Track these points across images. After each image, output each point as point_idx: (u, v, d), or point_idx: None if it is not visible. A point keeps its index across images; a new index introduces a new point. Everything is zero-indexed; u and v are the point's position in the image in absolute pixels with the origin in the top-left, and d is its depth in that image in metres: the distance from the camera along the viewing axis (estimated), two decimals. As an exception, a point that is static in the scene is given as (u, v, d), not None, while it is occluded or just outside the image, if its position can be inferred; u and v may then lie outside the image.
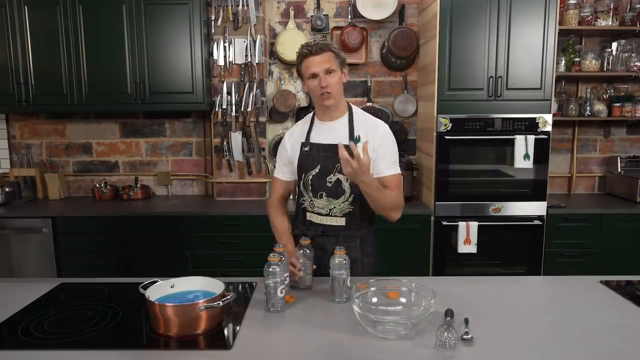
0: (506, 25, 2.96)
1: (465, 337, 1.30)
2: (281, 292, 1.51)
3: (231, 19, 3.31)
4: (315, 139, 1.85)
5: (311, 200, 1.84)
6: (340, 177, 1.76)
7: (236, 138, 3.38)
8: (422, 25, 3.41)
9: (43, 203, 3.46)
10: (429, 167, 3.24)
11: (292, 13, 3.50)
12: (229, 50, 3.32)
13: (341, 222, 1.82)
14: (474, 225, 3.06)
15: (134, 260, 3.11)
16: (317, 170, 1.81)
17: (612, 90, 3.56)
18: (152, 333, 1.36)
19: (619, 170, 3.55)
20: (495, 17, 2.96)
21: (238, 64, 3.34)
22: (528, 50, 2.99)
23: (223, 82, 3.35)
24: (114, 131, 3.70)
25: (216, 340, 1.33)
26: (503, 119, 3.04)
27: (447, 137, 3.05)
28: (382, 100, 3.63)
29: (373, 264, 1.91)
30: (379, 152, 1.77)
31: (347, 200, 1.80)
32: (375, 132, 1.80)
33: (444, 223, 3.09)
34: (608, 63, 3.33)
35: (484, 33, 2.97)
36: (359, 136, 1.79)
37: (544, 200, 3.11)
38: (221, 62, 3.33)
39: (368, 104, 3.57)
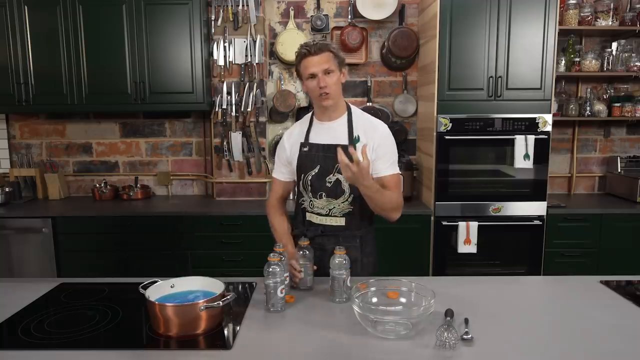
0: (506, 25, 2.96)
1: (465, 337, 1.30)
2: (281, 292, 1.51)
3: (231, 19, 3.31)
4: (314, 139, 1.84)
5: (311, 200, 1.84)
6: (340, 177, 1.76)
7: (236, 138, 3.38)
8: (422, 25, 3.41)
9: (43, 203, 3.46)
10: (429, 167, 3.24)
11: (292, 13, 3.50)
12: (229, 50, 3.32)
13: (341, 222, 1.82)
14: (474, 225, 3.06)
15: (134, 260, 3.11)
16: (316, 170, 1.80)
17: (612, 90, 3.56)
18: (152, 333, 1.36)
19: (619, 170, 3.55)
20: (495, 17, 2.96)
21: (238, 64, 3.34)
22: (528, 50, 2.99)
23: (223, 82, 3.35)
24: (114, 131, 3.70)
25: (216, 340, 1.33)
26: (503, 119, 3.04)
27: (447, 137, 3.05)
28: (382, 100, 3.63)
29: (373, 264, 1.91)
30: (378, 152, 1.77)
31: (346, 200, 1.80)
32: (374, 132, 1.80)
33: (444, 223, 3.10)
34: (608, 63, 3.33)
35: (484, 33, 2.97)
36: (358, 136, 1.79)
37: (544, 200, 3.11)
38: (221, 62, 3.33)
39: (368, 104, 3.57)
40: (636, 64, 3.27)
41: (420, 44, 3.43)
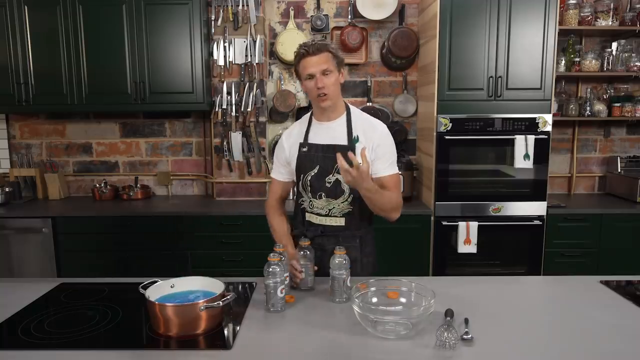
0: (506, 25, 2.97)
1: (465, 337, 1.30)
2: (281, 292, 1.51)
3: (231, 19, 3.31)
4: (313, 139, 1.84)
5: (310, 200, 1.84)
6: (339, 177, 1.76)
7: (236, 138, 3.38)
8: (422, 25, 3.41)
9: (43, 203, 3.46)
10: (429, 167, 3.24)
11: (292, 13, 3.50)
12: (229, 50, 3.32)
13: (340, 222, 1.82)
14: (474, 225, 3.06)
15: (134, 260, 3.11)
16: (315, 170, 1.80)
17: (612, 90, 3.56)
18: (152, 333, 1.36)
19: (619, 170, 3.55)
20: (495, 17, 2.96)
21: (238, 64, 3.34)
22: (528, 50, 2.99)
23: (223, 82, 3.35)
24: (114, 131, 3.70)
25: (216, 340, 1.33)
26: (503, 119, 3.04)
27: (447, 137, 3.05)
28: (382, 100, 3.63)
29: (372, 264, 1.91)
30: (377, 152, 1.77)
31: (346, 200, 1.80)
32: (373, 132, 1.80)
33: (444, 223, 3.10)
34: (608, 63, 3.33)
35: (484, 33, 2.97)
36: (357, 136, 1.79)
37: (544, 200, 3.11)
38: (221, 62, 3.33)
39: (368, 104, 3.57)
40: (636, 64, 3.28)
41: (420, 44, 3.43)
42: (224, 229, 3.11)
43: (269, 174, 3.40)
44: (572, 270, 3.11)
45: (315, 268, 1.71)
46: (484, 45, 2.99)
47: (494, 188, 3.14)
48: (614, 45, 3.39)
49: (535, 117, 3.04)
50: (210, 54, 3.33)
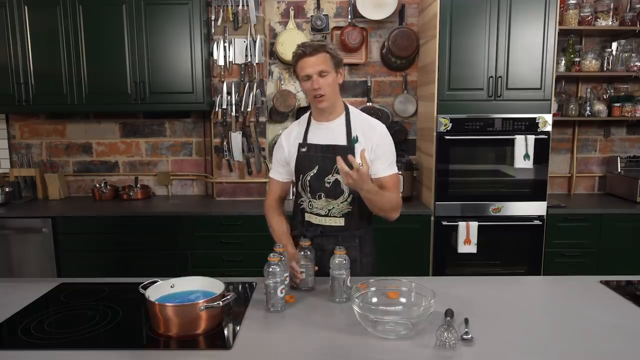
0: (506, 25, 2.97)
1: (465, 337, 1.30)
2: (281, 292, 1.51)
3: (231, 19, 3.31)
4: (312, 139, 1.84)
5: (310, 201, 1.84)
6: (339, 177, 1.76)
7: (236, 138, 3.38)
8: (422, 25, 3.41)
9: (43, 203, 3.46)
10: (429, 167, 3.24)
11: (292, 13, 3.50)
12: (229, 50, 3.32)
13: (340, 222, 1.82)
14: (474, 225, 3.06)
15: (134, 260, 3.11)
16: (315, 171, 1.80)
17: (612, 90, 3.56)
18: (152, 333, 1.36)
19: (619, 170, 3.55)
20: (495, 17, 2.96)
21: (238, 64, 3.34)
22: (528, 50, 2.99)
23: (223, 82, 3.35)
24: (114, 131, 3.70)
25: (216, 340, 1.33)
26: (503, 119, 3.04)
27: (447, 137, 3.06)
28: (382, 100, 3.63)
29: (372, 264, 1.91)
30: (377, 152, 1.77)
31: (346, 200, 1.80)
32: (372, 132, 1.80)
33: (444, 223, 3.10)
34: (608, 63, 3.33)
35: (484, 33, 2.97)
36: (356, 136, 1.79)
37: (544, 200, 3.11)
38: (221, 62, 3.33)
39: (368, 104, 3.57)
40: (636, 64, 3.28)
41: (420, 44, 3.43)
42: (224, 229, 3.11)
43: (269, 174, 3.42)
44: (572, 270, 3.11)
45: (316, 268, 1.71)
46: (484, 45, 2.99)
47: (494, 188, 3.14)
48: (614, 45, 3.39)
49: (535, 117, 3.04)
50: (210, 54, 3.33)
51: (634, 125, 3.66)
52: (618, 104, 3.38)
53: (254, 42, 3.31)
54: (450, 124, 3.05)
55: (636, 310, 1.52)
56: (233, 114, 3.37)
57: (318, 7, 3.50)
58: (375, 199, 1.66)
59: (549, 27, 2.97)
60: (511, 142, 3.04)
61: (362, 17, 3.43)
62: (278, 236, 1.86)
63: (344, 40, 3.45)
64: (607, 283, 1.75)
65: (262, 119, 3.43)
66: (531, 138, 3.02)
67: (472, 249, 3.07)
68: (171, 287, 1.48)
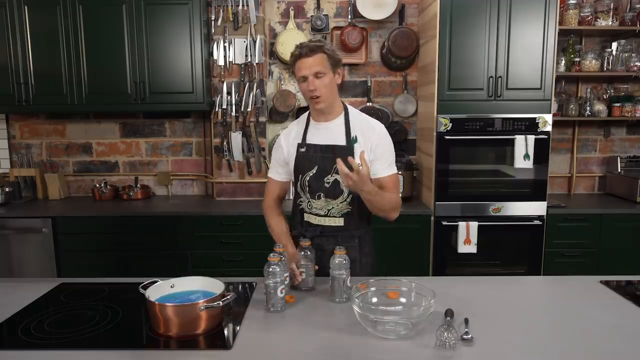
0: (506, 25, 2.96)
1: (465, 337, 1.30)
2: (281, 292, 1.51)
3: (231, 19, 3.31)
4: (311, 139, 1.84)
5: (309, 201, 1.84)
6: (338, 177, 1.75)
7: (236, 138, 3.38)
8: (422, 25, 3.41)
9: (43, 203, 3.46)
10: (429, 167, 3.24)
11: (292, 13, 3.50)
12: (229, 50, 3.32)
13: (339, 222, 1.82)
14: (474, 225, 3.06)
15: (134, 260, 3.11)
16: (314, 171, 1.80)
17: (612, 90, 3.56)
18: (152, 333, 1.36)
19: (619, 170, 3.55)
20: (495, 17, 2.96)
21: (238, 64, 3.34)
22: (528, 50, 2.99)
23: (223, 82, 3.35)
24: (114, 131, 3.70)
25: (216, 340, 1.33)
26: (503, 119, 3.04)
27: (447, 137, 3.05)
28: (382, 100, 3.63)
29: (371, 264, 1.91)
30: (376, 152, 1.77)
31: (345, 200, 1.80)
32: (372, 132, 1.79)
33: (444, 223, 3.09)
34: (608, 63, 3.33)
35: (484, 33, 2.97)
36: (355, 137, 1.79)
37: (544, 200, 3.11)
38: (221, 62, 3.33)
39: (368, 104, 3.57)
40: (636, 64, 3.28)
41: (420, 44, 3.43)
42: (224, 229, 3.11)
43: (268, 173, 3.42)
44: (572, 270, 3.11)
45: (316, 267, 1.71)
46: (484, 45, 2.99)
47: (494, 188, 3.14)
48: (614, 45, 3.39)
49: (535, 117, 3.04)
50: (210, 54, 3.33)
51: (634, 125, 3.66)
52: (618, 104, 3.38)
53: (254, 42, 3.31)
54: (450, 124, 3.05)
55: (636, 310, 1.52)
56: (233, 114, 3.37)
57: (318, 7, 3.50)
58: (375, 200, 1.66)
59: (549, 27, 2.97)
60: (511, 142, 3.04)
61: (362, 17, 3.44)
62: (277, 236, 1.86)
63: (344, 40, 3.45)
64: (607, 283, 1.75)
65: (262, 119, 3.43)
66: (531, 138, 3.02)
67: (472, 249, 3.07)
68: (171, 287, 1.48)
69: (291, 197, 2.12)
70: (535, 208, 3.12)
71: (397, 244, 3.04)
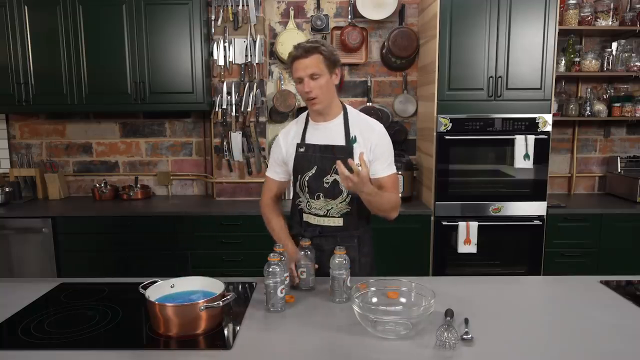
0: (506, 25, 2.96)
1: (465, 337, 1.30)
2: (281, 292, 1.51)
3: (231, 19, 3.31)
4: (310, 139, 1.83)
5: (308, 201, 1.83)
6: (338, 177, 1.75)
7: (236, 138, 3.38)
8: (422, 25, 3.41)
9: (43, 203, 3.46)
10: (429, 167, 3.24)
11: (292, 13, 3.50)
12: (229, 50, 3.32)
13: (339, 222, 1.82)
14: (474, 225, 3.06)
15: (134, 260, 3.11)
16: (313, 171, 1.80)
17: (612, 90, 3.56)
18: (152, 333, 1.36)
19: (619, 170, 3.55)
20: (495, 17, 2.96)
21: (238, 64, 3.34)
22: (528, 50, 2.99)
23: (223, 82, 3.35)
24: (114, 131, 3.70)
25: (216, 340, 1.33)
26: (503, 119, 3.04)
27: (447, 137, 3.05)
28: (382, 100, 3.63)
29: (370, 264, 1.91)
30: (376, 152, 1.77)
31: (344, 200, 1.80)
32: (371, 132, 1.79)
33: (444, 223, 3.09)
34: (608, 63, 3.33)
35: (484, 33, 2.97)
36: (354, 137, 1.78)
37: (544, 200, 3.11)
38: (221, 62, 3.33)
39: (368, 104, 3.57)
40: (636, 64, 3.27)
41: (420, 44, 3.43)
42: (224, 229, 3.11)
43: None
44: (572, 270, 3.11)
45: (316, 266, 1.71)
46: (484, 45, 2.99)
47: (494, 188, 3.14)
48: (614, 45, 3.39)
49: (535, 117, 3.04)
50: (210, 54, 3.33)
51: (634, 125, 3.66)
52: (618, 104, 3.38)
53: (254, 42, 3.31)
54: (450, 124, 3.05)
55: (636, 310, 1.52)
56: (233, 114, 3.37)
57: (318, 7, 3.50)
58: (374, 200, 1.66)
59: (549, 27, 2.97)
60: (511, 142, 3.04)
61: (362, 17, 3.44)
62: (277, 233, 1.86)
63: (344, 40, 3.45)
64: (607, 283, 1.75)
65: (262, 119, 3.43)
66: (531, 138, 3.02)
67: (472, 249, 3.07)
68: (171, 287, 1.48)
69: (290, 197, 2.12)
70: (535, 208, 3.12)
71: (397, 244, 3.05)
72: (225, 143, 3.41)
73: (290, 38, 3.42)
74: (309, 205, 1.84)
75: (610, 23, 3.27)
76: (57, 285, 1.78)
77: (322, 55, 1.69)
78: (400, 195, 1.91)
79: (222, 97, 3.34)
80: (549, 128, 3.05)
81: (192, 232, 3.12)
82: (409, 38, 3.41)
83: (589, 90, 3.46)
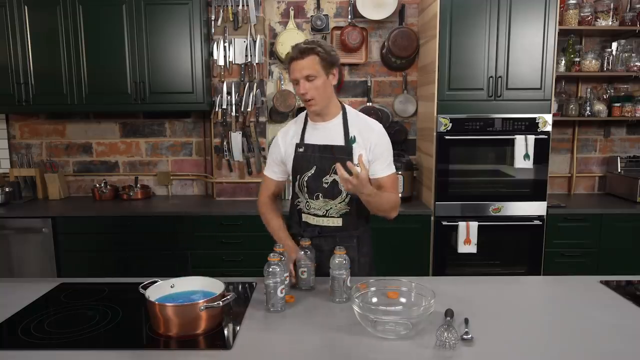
0: (506, 25, 2.96)
1: (465, 337, 1.30)
2: (281, 292, 1.51)
3: (231, 19, 3.31)
4: (309, 139, 1.83)
5: (307, 201, 1.83)
6: (337, 177, 1.74)
7: (236, 138, 3.38)
8: (422, 25, 3.41)
9: (43, 203, 3.46)
10: (429, 167, 3.24)
11: (292, 13, 3.50)
12: (229, 50, 3.32)
13: (338, 222, 1.82)
14: (474, 225, 3.06)
15: (134, 260, 3.11)
16: (312, 171, 1.80)
17: (612, 90, 3.56)
18: (152, 333, 1.36)
19: (619, 170, 3.55)
20: (495, 17, 2.96)
21: (238, 64, 3.34)
22: (528, 50, 2.99)
23: (223, 82, 3.35)
24: (114, 131, 3.70)
25: (216, 340, 1.33)
26: (503, 119, 3.04)
27: (447, 137, 3.05)
28: (382, 100, 3.63)
29: (369, 264, 1.91)
30: (375, 152, 1.77)
31: (343, 200, 1.80)
32: (370, 132, 1.79)
33: (444, 223, 3.09)
34: (608, 63, 3.33)
35: (484, 33, 2.97)
36: (354, 137, 1.78)
37: (544, 200, 3.11)
38: (221, 62, 3.33)
39: (368, 104, 3.57)
40: (636, 64, 3.28)
41: (420, 44, 3.43)
42: (224, 229, 3.11)
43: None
44: (572, 270, 3.11)
45: (316, 265, 1.71)
46: (484, 45, 2.99)
47: (494, 188, 3.14)
48: (614, 45, 3.39)
49: (535, 117, 3.04)
50: (210, 54, 3.33)
51: (634, 125, 3.66)
52: (618, 104, 3.38)
53: (254, 42, 3.31)
54: (450, 124, 3.05)
55: (636, 310, 1.52)
56: (233, 114, 3.37)
57: (318, 7, 3.50)
58: (374, 201, 1.66)
59: (549, 27, 2.97)
60: (511, 142, 3.04)
61: (362, 17, 3.43)
62: (276, 231, 1.86)
63: (344, 40, 3.45)
64: (607, 283, 1.75)
65: (262, 119, 3.43)
66: (531, 138, 3.02)
67: (472, 249, 3.07)
68: (171, 287, 1.48)
69: (289, 197, 2.12)
70: (535, 208, 3.12)
71: (397, 244, 3.05)
72: (225, 143, 3.41)
73: (290, 38, 3.42)
74: (308, 206, 1.84)
75: (610, 23, 3.27)
76: (57, 285, 1.78)
77: (318, 56, 1.68)
78: (400, 195, 1.91)
79: (222, 97, 3.34)
80: (549, 128, 3.05)
81: (192, 232, 3.12)
82: (409, 38, 3.41)
83: (589, 90, 3.46)
